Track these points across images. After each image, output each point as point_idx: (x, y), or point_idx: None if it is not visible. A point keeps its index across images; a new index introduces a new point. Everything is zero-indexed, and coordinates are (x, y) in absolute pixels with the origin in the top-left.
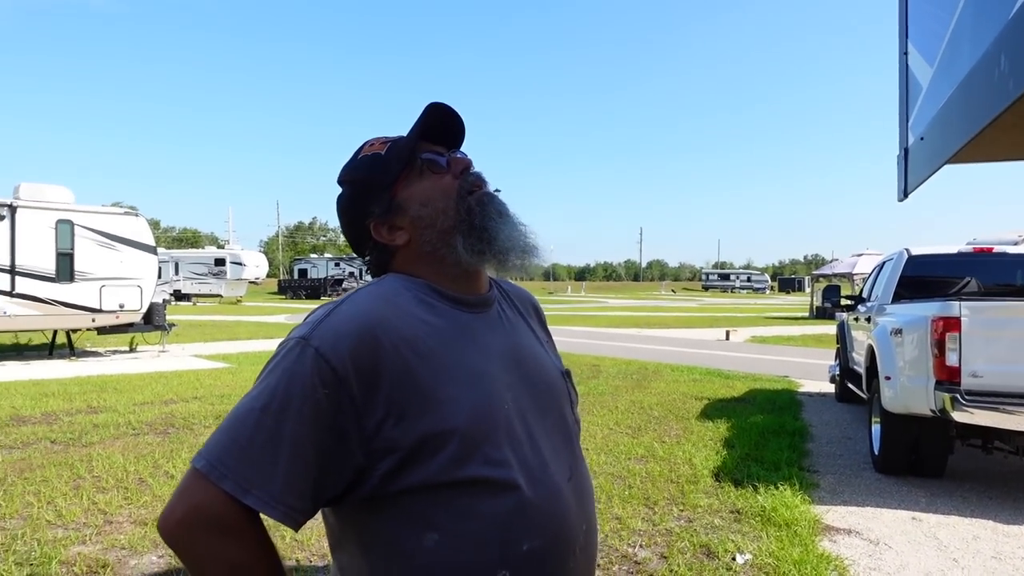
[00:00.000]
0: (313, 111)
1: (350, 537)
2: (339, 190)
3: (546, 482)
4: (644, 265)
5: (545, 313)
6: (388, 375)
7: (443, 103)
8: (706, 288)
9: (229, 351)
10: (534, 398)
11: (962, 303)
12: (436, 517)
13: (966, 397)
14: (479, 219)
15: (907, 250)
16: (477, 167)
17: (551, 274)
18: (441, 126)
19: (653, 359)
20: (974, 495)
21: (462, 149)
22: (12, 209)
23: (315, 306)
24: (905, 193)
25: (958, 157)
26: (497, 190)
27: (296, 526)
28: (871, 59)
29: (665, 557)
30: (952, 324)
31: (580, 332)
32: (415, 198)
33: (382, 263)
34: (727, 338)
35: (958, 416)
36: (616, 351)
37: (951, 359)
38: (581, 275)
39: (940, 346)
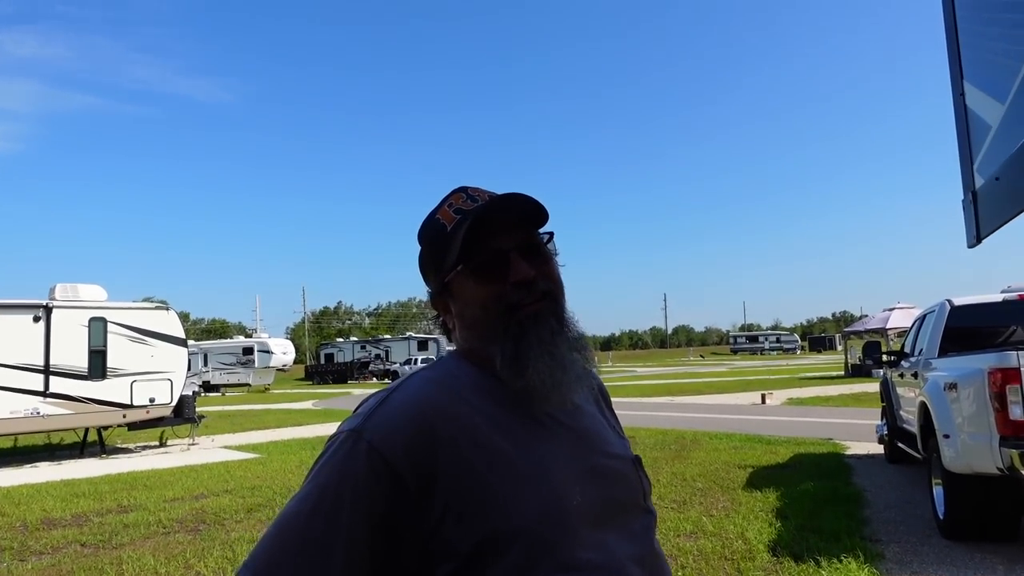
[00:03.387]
0: (336, 189)
1: None
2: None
3: None
4: (670, 331)
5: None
6: (446, 470)
7: (522, 194)
8: (735, 351)
9: (258, 440)
10: (607, 491)
11: (1020, 353)
12: None
13: None
14: (520, 343)
15: (949, 300)
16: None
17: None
18: (511, 212)
19: (690, 427)
20: None
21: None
22: (48, 310)
23: (355, 393)
24: (978, 238)
25: None
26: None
27: None
28: (895, 110)
29: None
30: (1012, 376)
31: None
32: (462, 295)
33: (444, 330)
34: (763, 401)
35: None
36: (650, 421)
37: (1015, 412)
38: (607, 344)
39: (1001, 399)
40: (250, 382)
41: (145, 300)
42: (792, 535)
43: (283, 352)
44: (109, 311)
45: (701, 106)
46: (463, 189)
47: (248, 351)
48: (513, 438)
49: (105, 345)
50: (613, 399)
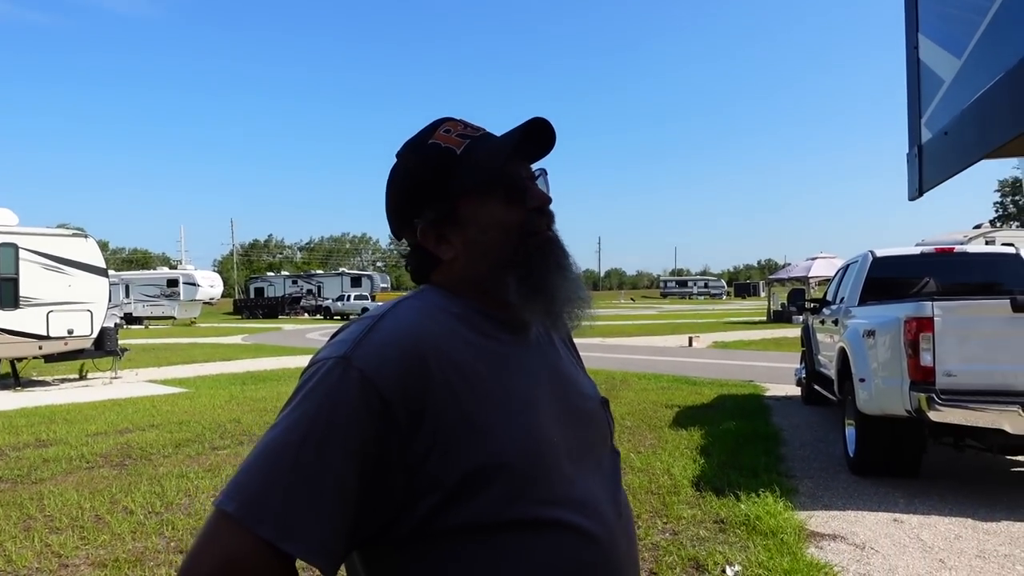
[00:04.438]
0: (268, 121)
1: None
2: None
3: (599, 522)
4: (603, 274)
5: None
6: (436, 403)
7: (546, 120)
8: (664, 296)
9: (186, 375)
10: (580, 430)
11: (935, 303)
12: (481, 561)
13: (941, 397)
14: (537, 268)
15: (871, 252)
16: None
17: None
18: (530, 140)
19: (619, 368)
20: (950, 493)
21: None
22: None
23: (285, 329)
24: (920, 191)
25: (1004, 151)
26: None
27: (334, 571)
28: (828, 57)
29: (655, 573)
30: (925, 324)
31: None
32: (477, 220)
33: (421, 269)
34: (690, 344)
35: (934, 416)
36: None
37: (925, 359)
38: None
39: (914, 346)
40: (175, 315)
41: (60, 227)
42: (714, 471)
43: (210, 285)
44: (20, 236)
45: (638, 50)
46: (451, 119)
47: (173, 283)
48: (499, 374)
49: (17, 273)
50: None
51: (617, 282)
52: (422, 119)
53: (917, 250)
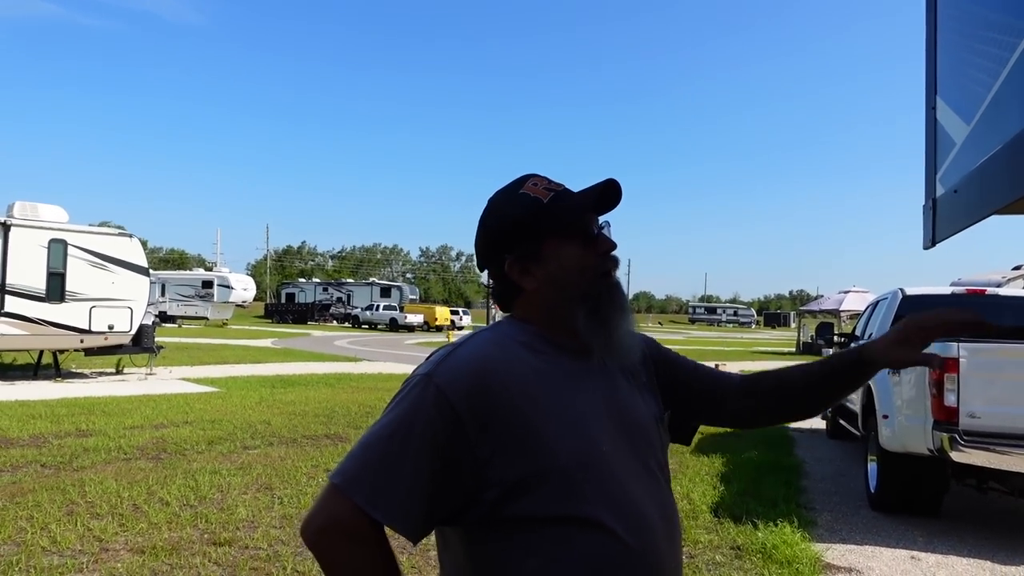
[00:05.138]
0: (308, 132)
1: (457, 552)
2: (482, 207)
3: (638, 526)
4: (631, 297)
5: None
6: (498, 415)
7: (617, 182)
8: (692, 321)
9: (217, 375)
10: (631, 444)
11: (960, 344)
12: (535, 546)
13: (964, 437)
14: (605, 306)
15: (901, 290)
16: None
17: None
18: (603, 197)
19: None
20: (970, 535)
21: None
22: (5, 227)
23: (314, 335)
24: (933, 241)
25: (1005, 210)
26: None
27: (415, 539)
28: (869, 104)
29: None
30: (951, 365)
31: None
32: (557, 259)
33: (504, 296)
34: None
35: (956, 456)
36: None
37: (949, 399)
38: None
39: (939, 386)
40: (208, 316)
41: (102, 224)
42: (734, 499)
43: (244, 288)
44: (70, 234)
45: (671, 95)
46: (536, 175)
47: (208, 284)
48: (557, 390)
49: (65, 268)
50: None
51: (646, 305)
52: (458, 144)
53: (948, 290)
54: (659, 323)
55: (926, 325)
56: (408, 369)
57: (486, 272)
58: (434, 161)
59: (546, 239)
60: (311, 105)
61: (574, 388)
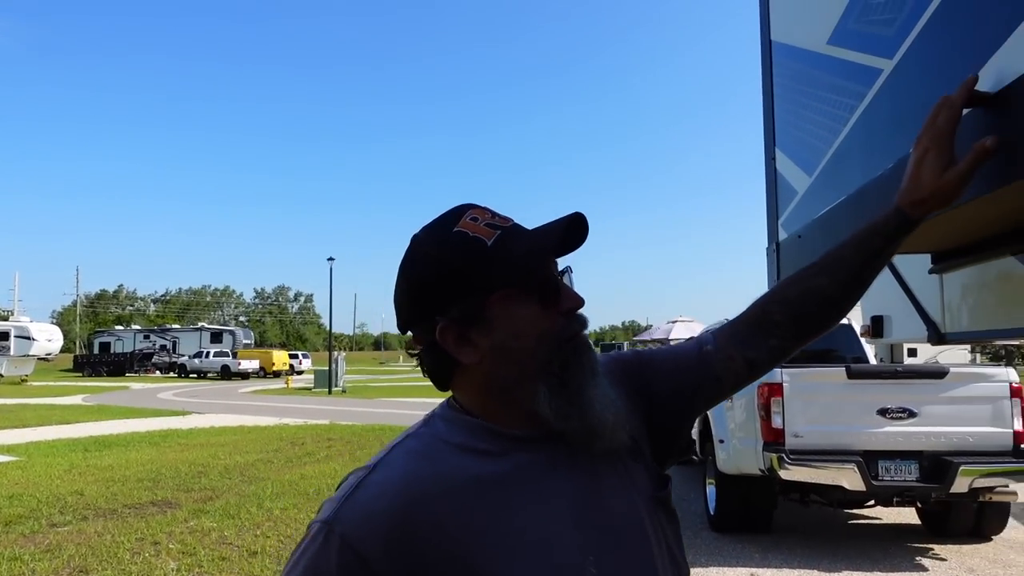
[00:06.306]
0: (121, 164)
1: None
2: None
3: None
4: None
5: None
6: (430, 563)
7: (583, 216)
8: None
9: (14, 441)
10: (624, 550)
11: (783, 370)
12: None
13: (790, 456)
14: (573, 378)
15: (727, 320)
16: None
17: (382, 343)
18: (573, 238)
19: None
20: (799, 547)
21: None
22: None
23: (133, 388)
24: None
25: None
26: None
27: None
28: (703, 138)
29: None
30: (776, 389)
31: (416, 404)
32: (508, 323)
33: (437, 370)
34: None
35: (784, 474)
36: None
37: (776, 422)
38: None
39: (766, 410)
40: (2, 372)
41: None
42: None
43: (47, 339)
44: None
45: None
46: (476, 206)
47: (3, 336)
48: (509, 510)
49: None
50: (420, 399)
51: None
52: (291, 176)
53: None
54: None
55: (932, 124)
56: (245, 421)
57: (408, 332)
58: (266, 196)
59: (491, 295)
60: (125, 134)
61: (531, 495)
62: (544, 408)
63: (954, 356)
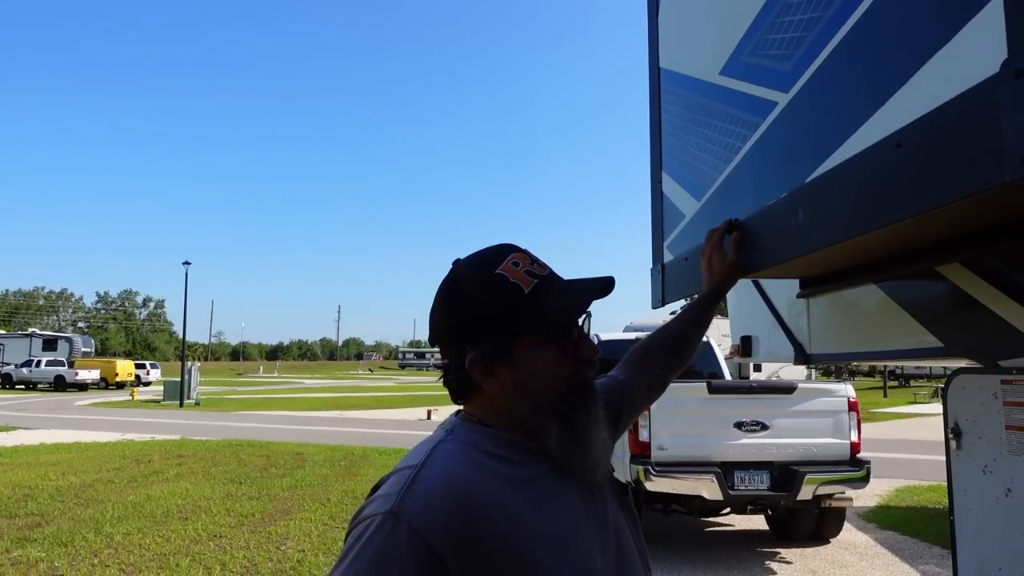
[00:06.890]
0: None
1: None
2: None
3: None
4: (341, 344)
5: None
6: (485, 550)
7: (613, 281)
8: (403, 367)
9: None
10: (619, 552)
11: None
12: None
13: (655, 468)
14: (581, 422)
15: (596, 335)
16: None
17: (241, 353)
18: (597, 297)
19: (359, 443)
20: (660, 556)
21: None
22: None
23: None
24: (663, 302)
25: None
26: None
27: None
28: (572, 144)
29: None
30: None
31: (277, 417)
32: (531, 365)
33: (458, 388)
34: (428, 417)
35: (649, 485)
36: (318, 436)
37: (643, 435)
38: (274, 354)
39: (634, 424)
40: None
41: None
42: None
43: None
44: None
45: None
46: (518, 249)
47: None
48: (540, 505)
49: None
50: (280, 411)
51: (355, 352)
52: (138, 171)
53: (632, 335)
54: (369, 370)
55: (710, 240)
56: (82, 436)
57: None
58: (113, 188)
59: (520, 339)
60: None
61: (556, 497)
62: (552, 443)
63: (792, 372)
